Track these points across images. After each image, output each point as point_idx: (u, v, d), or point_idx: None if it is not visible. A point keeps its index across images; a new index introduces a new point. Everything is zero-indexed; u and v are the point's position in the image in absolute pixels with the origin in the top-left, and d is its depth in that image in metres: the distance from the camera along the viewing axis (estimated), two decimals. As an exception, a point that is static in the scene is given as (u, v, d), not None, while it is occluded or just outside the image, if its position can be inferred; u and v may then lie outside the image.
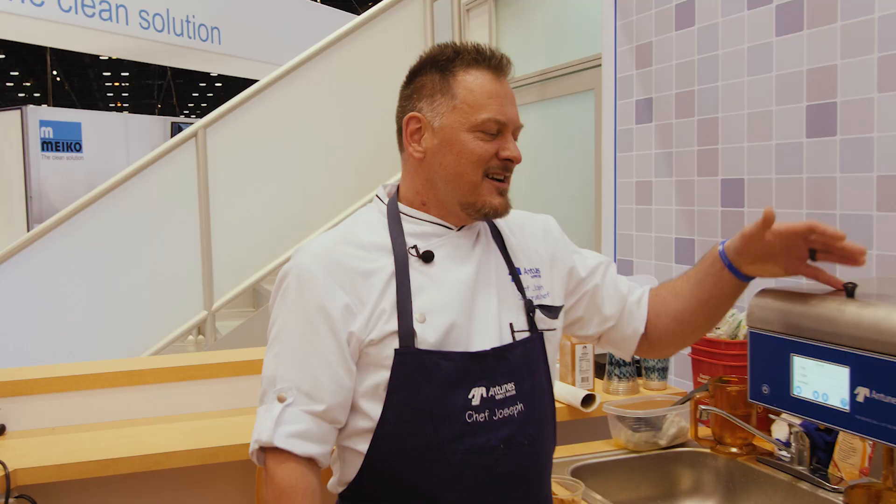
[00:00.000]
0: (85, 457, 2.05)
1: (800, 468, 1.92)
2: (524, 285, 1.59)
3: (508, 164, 1.52)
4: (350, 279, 1.47)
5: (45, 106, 17.31)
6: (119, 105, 25.46)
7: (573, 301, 1.68)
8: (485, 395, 1.47)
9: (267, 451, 1.45)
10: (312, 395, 1.44)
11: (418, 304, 1.47)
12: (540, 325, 1.57)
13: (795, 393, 1.33)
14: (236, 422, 2.33)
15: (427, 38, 5.20)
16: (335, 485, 1.56)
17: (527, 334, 1.54)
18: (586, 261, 1.70)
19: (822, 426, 1.84)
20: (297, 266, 1.49)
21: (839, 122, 2.07)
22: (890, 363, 1.16)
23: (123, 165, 4.76)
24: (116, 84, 22.26)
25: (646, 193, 2.83)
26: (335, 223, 5.11)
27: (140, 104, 24.55)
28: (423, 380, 1.44)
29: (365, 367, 1.48)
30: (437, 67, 1.53)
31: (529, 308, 1.56)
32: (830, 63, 2.09)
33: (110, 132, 12.71)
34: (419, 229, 1.55)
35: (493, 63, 1.52)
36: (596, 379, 2.60)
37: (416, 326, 1.45)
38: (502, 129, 1.51)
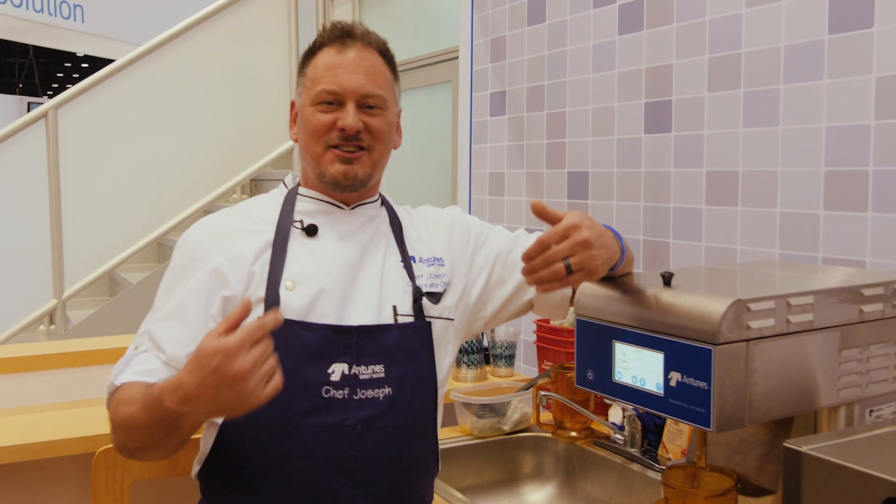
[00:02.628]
0: None
1: (632, 450, 2.01)
2: (416, 273, 1.58)
3: (347, 135, 1.52)
4: (229, 244, 1.48)
5: None
6: (-23, 83, 24.09)
7: (496, 281, 1.68)
8: (346, 372, 1.44)
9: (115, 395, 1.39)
10: (161, 345, 1.42)
11: (290, 272, 1.47)
12: (429, 313, 1.56)
13: (616, 378, 1.38)
14: (74, 414, 2.25)
15: (291, 24, 5.14)
16: (195, 464, 1.54)
17: (411, 320, 1.52)
18: (497, 236, 1.71)
19: (641, 409, 1.93)
20: (182, 237, 1.54)
21: (674, 119, 2.16)
22: (698, 348, 1.22)
23: (-28, 146, 4.54)
24: (-27, 61, 21.07)
25: (498, 185, 2.88)
26: (197, 208, 5.01)
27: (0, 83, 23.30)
28: (282, 350, 1.35)
29: None
30: (307, 52, 1.60)
31: (417, 294, 1.54)
32: (667, 62, 2.18)
33: (-41, 111, 12.07)
34: (309, 207, 1.58)
35: (337, 35, 1.56)
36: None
37: (283, 293, 1.45)
38: (341, 100, 1.52)
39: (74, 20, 8.77)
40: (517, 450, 2.21)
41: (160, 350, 1.42)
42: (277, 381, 1.19)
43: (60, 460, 2.16)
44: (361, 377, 1.45)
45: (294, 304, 1.45)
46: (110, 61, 4.88)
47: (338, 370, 1.44)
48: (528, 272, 1.33)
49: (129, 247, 4.80)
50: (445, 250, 1.65)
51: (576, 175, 2.52)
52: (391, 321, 1.51)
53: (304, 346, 1.43)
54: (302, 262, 1.50)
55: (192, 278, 1.46)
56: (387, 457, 1.47)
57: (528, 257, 1.32)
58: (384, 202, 1.69)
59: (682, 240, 2.13)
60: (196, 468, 1.54)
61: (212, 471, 1.50)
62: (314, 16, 5.24)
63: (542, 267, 1.31)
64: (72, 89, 4.59)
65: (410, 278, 1.57)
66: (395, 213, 1.67)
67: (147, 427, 1.28)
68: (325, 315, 1.46)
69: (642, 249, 2.25)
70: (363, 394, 1.45)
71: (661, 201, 2.20)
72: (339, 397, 1.43)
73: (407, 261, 1.59)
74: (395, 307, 1.53)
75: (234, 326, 1.15)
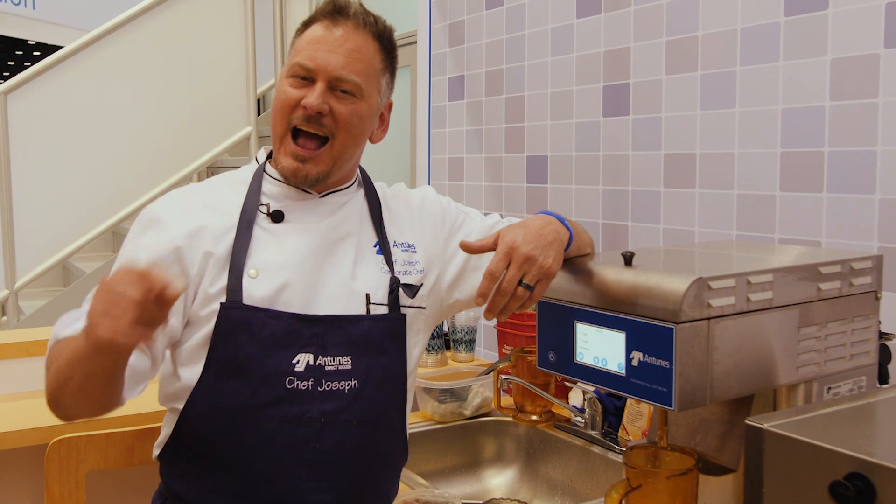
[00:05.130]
0: None
1: (592, 433, 2.01)
2: (393, 258, 1.53)
3: (308, 115, 1.43)
4: (193, 225, 1.43)
5: None
6: (-76, 71, 23.47)
7: (471, 269, 1.62)
8: (311, 362, 1.41)
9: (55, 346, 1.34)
10: None
11: (254, 260, 1.43)
12: (402, 303, 1.51)
13: (578, 359, 1.38)
14: (26, 405, 2.20)
15: (247, 8, 5.08)
16: (155, 448, 1.51)
17: (384, 310, 1.48)
18: (473, 222, 1.65)
19: (602, 390, 1.94)
20: (145, 210, 1.48)
21: (632, 102, 2.17)
22: (659, 327, 1.22)
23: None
24: (-81, 48, 20.52)
25: (457, 170, 2.87)
26: (152, 196, 4.93)
27: (-53, 70, 22.72)
28: (246, 338, 1.39)
29: (194, 320, 1.42)
30: (300, 26, 1.52)
31: (394, 285, 1.49)
32: (624, 46, 2.18)
33: None
34: (277, 190, 1.51)
35: (330, 10, 1.47)
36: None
37: (246, 281, 1.40)
38: (313, 76, 1.44)
39: (25, 6, 8.56)
40: (478, 434, 2.21)
41: None
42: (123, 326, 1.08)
43: (12, 452, 2.11)
44: (327, 368, 1.42)
45: (257, 294, 1.40)
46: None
47: (303, 360, 1.40)
48: (492, 310, 1.30)
49: (83, 236, 4.70)
50: (417, 236, 1.59)
51: (535, 159, 2.52)
52: (362, 310, 1.46)
53: (270, 334, 1.39)
54: (267, 250, 1.44)
55: (147, 255, 1.39)
56: (350, 450, 1.44)
57: (484, 295, 1.28)
58: (364, 182, 1.62)
59: (641, 222, 2.14)
60: (156, 451, 1.51)
61: (172, 454, 1.47)
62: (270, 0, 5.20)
63: (504, 301, 1.29)
64: (22, 74, 4.48)
65: (388, 265, 1.52)
66: (376, 194, 1.60)
67: (74, 361, 1.23)
68: (290, 304, 1.42)
69: (601, 233, 2.26)
70: (328, 385, 1.41)
71: (619, 184, 2.21)
72: (303, 388, 1.40)
73: (384, 245, 1.53)
74: (367, 295, 1.47)
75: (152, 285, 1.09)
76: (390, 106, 1.59)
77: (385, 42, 1.51)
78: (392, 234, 1.57)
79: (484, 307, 1.34)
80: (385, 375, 1.47)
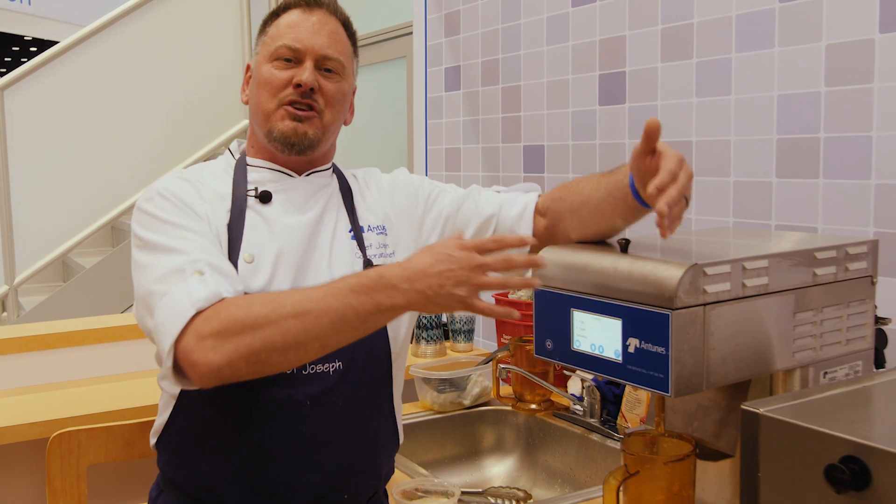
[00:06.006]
0: None
1: (591, 421, 2.02)
2: (366, 242, 1.56)
3: (303, 91, 1.50)
4: (202, 204, 1.45)
5: None
6: (-79, 67, 23.44)
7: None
8: None
9: (194, 324, 1.25)
10: (232, 276, 1.35)
11: (248, 244, 1.45)
12: None
13: (575, 346, 1.38)
14: (27, 399, 2.21)
15: (243, 2, 5.07)
16: (152, 436, 1.53)
17: None
18: (447, 195, 1.66)
19: (600, 377, 1.94)
20: (154, 192, 1.44)
21: (628, 90, 2.16)
22: (655, 314, 1.23)
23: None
24: (-85, 44, 20.48)
25: (454, 160, 2.87)
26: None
27: (-57, 66, 22.69)
28: None
29: None
30: (270, 14, 1.60)
31: (366, 267, 1.51)
32: (620, 34, 2.18)
33: None
34: (260, 176, 1.55)
35: (304, 0, 1.56)
36: (405, 343, 2.63)
37: (242, 267, 1.42)
38: (300, 57, 1.51)
39: (21, 2, 8.55)
40: (478, 423, 2.22)
41: (234, 280, 1.34)
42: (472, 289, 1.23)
43: (13, 446, 2.12)
44: None
45: (252, 278, 1.42)
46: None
47: None
48: (672, 220, 1.22)
49: (82, 230, 4.71)
50: (388, 219, 1.62)
51: (531, 149, 2.52)
52: None
53: None
54: (258, 233, 1.47)
55: (194, 211, 1.42)
56: (337, 432, 1.45)
57: (663, 187, 1.20)
58: (335, 169, 1.66)
59: (638, 211, 2.14)
60: (153, 439, 1.53)
61: (167, 441, 1.49)
62: (265, -6, 5.19)
63: (678, 203, 1.22)
64: (19, 69, 4.48)
65: (360, 249, 1.54)
66: (346, 180, 1.64)
67: (329, 313, 1.24)
68: (282, 289, 1.43)
69: (599, 221, 2.26)
70: (312, 368, 1.43)
71: (616, 173, 2.21)
72: (288, 371, 1.41)
73: (356, 230, 1.56)
74: None
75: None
76: (355, 91, 1.66)
77: (350, 31, 1.61)
78: (366, 219, 1.60)
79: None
80: (368, 356, 1.49)
